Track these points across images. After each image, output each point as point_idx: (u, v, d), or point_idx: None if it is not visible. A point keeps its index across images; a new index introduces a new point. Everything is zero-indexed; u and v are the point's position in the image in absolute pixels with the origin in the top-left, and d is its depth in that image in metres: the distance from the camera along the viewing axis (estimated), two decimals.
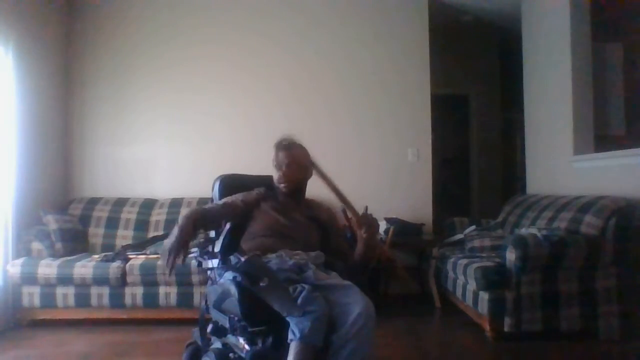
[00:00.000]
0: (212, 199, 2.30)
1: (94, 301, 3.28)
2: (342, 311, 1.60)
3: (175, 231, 1.78)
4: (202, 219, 1.90)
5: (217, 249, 1.99)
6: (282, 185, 2.12)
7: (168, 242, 1.76)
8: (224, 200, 2.11)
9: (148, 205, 4.01)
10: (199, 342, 1.94)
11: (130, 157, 4.21)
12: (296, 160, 2.11)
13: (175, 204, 3.98)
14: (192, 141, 4.24)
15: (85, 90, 4.23)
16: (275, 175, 2.15)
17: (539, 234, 2.89)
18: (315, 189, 2.23)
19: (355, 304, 1.60)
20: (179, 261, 1.73)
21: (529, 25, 4.48)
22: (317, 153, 2.21)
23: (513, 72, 5.05)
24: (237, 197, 2.12)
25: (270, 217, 2.07)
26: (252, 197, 2.14)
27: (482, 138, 5.89)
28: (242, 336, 1.63)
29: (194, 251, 2.09)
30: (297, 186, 2.16)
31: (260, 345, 1.60)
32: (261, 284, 1.57)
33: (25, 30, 3.59)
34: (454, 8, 4.74)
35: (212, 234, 2.16)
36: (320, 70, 4.31)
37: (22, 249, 3.43)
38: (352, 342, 1.55)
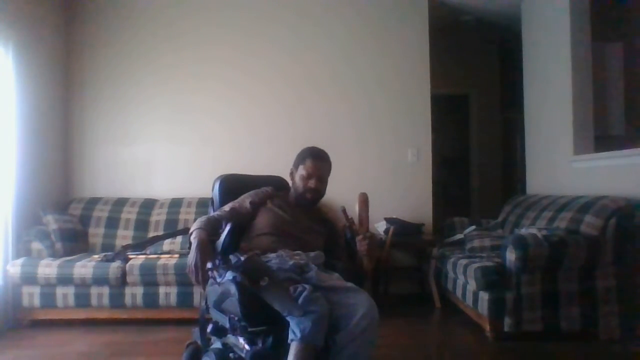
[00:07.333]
0: (212, 199, 2.30)
1: (94, 301, 3.28)
2: (346, 312, 1.59)
3: (193, 247, 1.82)
4: (212, 229, 1.93)
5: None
6: (309, 195, 2.11)
7: (190, 259, 1.80)
8: (231, 205, 2.10)
9: (148, 205, 4.01)
10: (199, 342, 1.94)
11: (130, 157, 4.21)
12: (325, 173, 2.13)
13: (175, 204, 3.98)
14: (192, 141, 4.24)
15: (85, 90, 4.23)
16: (299, 182, 2.12)
17: (539, 234, 2.90)
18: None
19: (360, 305, 1.60)
20: (208, 274, 1.76)
21: (529, 25, 4.47)
22: None
23: (513, 72, 5.05)
24: (244, 200, 2.12)
25: (274, 215, 2.07)
26: (259, 197, 2.14)
27: (482, 138, 5.89)
28: (242, 336, 1.63)
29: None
30: (320, 197, 2.16)
31: (260, 345, 1.60)
32: (261, 284, 1.57)
33: (25, 30, 3.59)
34: (454, 8, 4.74)
35: None
36: (320, 70, 4.31)
37: (22, 249, 3.43)
38: (355, 343, 1.56)
